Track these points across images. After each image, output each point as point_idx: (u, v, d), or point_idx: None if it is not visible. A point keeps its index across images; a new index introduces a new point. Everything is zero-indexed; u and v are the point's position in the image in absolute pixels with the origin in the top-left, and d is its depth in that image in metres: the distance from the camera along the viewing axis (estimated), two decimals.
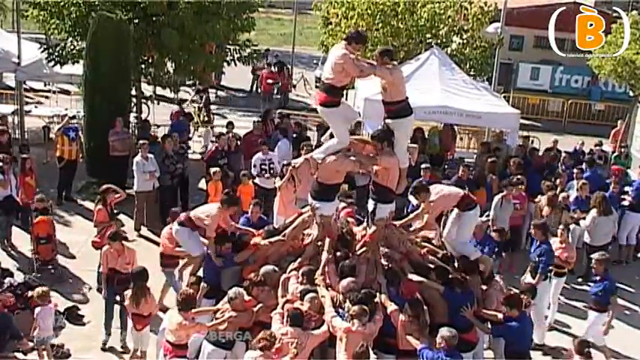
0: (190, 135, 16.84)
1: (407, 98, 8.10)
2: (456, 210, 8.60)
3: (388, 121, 8.14)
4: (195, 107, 19.85)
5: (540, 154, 14.82)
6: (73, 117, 15.56)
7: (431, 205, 8.46)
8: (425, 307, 7.89)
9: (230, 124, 14.95)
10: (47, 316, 8.66)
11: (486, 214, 12.32)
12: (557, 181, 13.13)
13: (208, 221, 8.65)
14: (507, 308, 7.86)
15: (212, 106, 20.56)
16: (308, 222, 8.53)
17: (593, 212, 11.99)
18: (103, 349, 9.37)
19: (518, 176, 12.74)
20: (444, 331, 7.20)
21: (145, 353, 8.91)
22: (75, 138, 14.01)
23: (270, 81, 22.64)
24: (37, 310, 8.63)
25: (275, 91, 23.03)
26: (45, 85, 20.51)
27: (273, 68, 23.86)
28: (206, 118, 19.72)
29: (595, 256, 9.88)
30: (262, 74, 22.96)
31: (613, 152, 17.19)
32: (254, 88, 24.94)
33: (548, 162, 14.33)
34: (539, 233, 10.26)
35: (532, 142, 16.54)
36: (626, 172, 14.70)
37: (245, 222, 9.87)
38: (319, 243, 8.29)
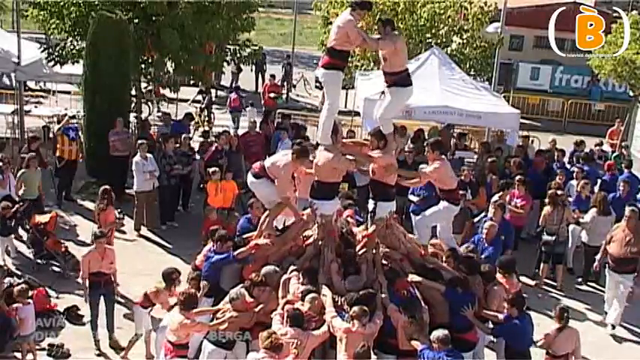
0: (191, 135, 16.85)
1: (407, 69, 8.13)
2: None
3: (386, 89, 8.15)
4: (196, 107, 19.89)
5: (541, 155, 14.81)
6: (73, 117, 15.56)
7: (431, 170, 8.49)
8: (425, 307, 7.90)
9: (226, 131, 14.93)
10: (28, 315, 8.61)
11: (483, 214, 12.33)
12: (557, 179, 13.10)
13: (283, 168, 8.18)
14: (508, 307, 7.88)
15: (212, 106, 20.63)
16: (308, 222, 8.52)
17: (593, 211, 11.95)
18: (98, 348, 9.33)
19: (519, 176, 12.72)
20: (438, 333, 7.22)
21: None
22: (75, 138, 14.01)
23: (272, 95, 20.60)
24: (20, 307, 8.56)
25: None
26: (36, 84, 20.49)
27: (281, 72, 23.67)
28: (207, 119, 19.79)
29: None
30: (265, 86, 21.31)
31: (613, 152, 17.18)
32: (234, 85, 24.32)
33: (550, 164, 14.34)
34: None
35: (532, 142, 16.55)
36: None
37: (246, 222, 9.86)
38: (320, 243, 8.29)
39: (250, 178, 8.54)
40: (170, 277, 8.73)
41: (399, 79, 8.03)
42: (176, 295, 8.45)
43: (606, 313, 11.08)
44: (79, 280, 10.67)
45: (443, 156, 8.60)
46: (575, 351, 8.34)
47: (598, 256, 11.24)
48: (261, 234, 8.63)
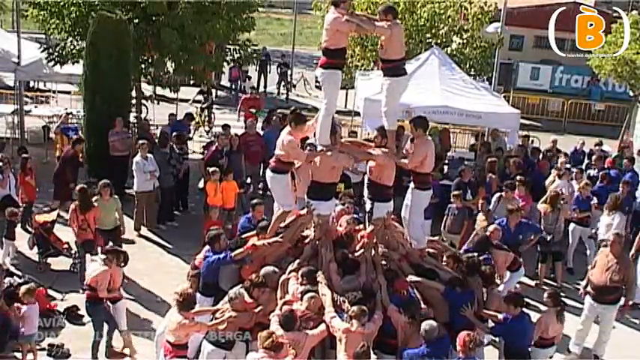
0: (191, 135, 16.85)
1: (404, 58, 8.11)
2: (412, 186, 8.48)
3: (383, 79, 8.14)
4: (197, 107, 19.88)
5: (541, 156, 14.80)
6: (70, 113, 15.53)
7: (418, 154, 8.18)
8: (425, 306, 7.90)
9: (226, 126, 14.93)
10: (32, 314, 8.59)
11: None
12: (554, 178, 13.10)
13: (288, 144, 8.08)
14: (510, 307, 7.89)
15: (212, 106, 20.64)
16: (305, 223, 8.52)
17: (619, 214, 11.77)
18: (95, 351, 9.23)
19: (519, 176, 12.72)
20: (424, 325, 7.27)
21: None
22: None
23: (252, 110, 18.05)
24: (24, 308, 8.53)
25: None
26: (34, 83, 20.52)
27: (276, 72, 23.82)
28: (207, 119, 19.79)
29: None
30: (242, 99, 19.08)
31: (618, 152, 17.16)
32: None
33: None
34: (515, 217, 10.75)
35: (532, 142, 16.55)
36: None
37: (246, 222, 9.87)
38: (317, 243, 8.29)
39: (269, 173, 8.49)
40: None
41: (393, 69, 8.04)
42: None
43: (569, 351, 10.05)
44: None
45: (429, 137, 8.45)
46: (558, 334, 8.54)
47: (583, 283, 10.26)
48: (264, 237, 8.61)
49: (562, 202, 12.16)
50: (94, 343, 9.10)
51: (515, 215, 10.81)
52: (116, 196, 11.35)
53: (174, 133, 13.99)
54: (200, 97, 20.58)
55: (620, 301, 9.82)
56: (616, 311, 9.89)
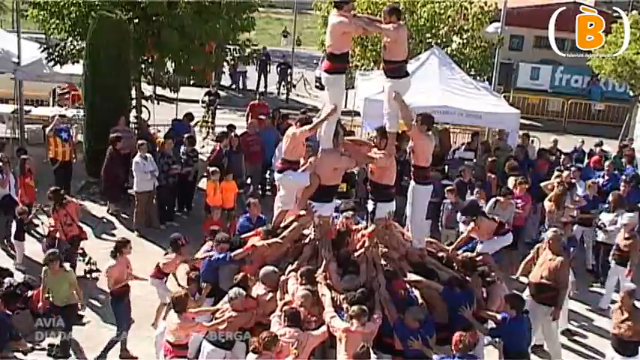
0: (197, 136, 16.78)
1: (405, 61, 8.18)
2: (412, 183, 8.53)
3: (385, 81, 8.18)
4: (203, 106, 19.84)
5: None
6: (63, 116, 15.51)
7: (419, 141, 8.31)
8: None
9: (231, 126, 14.91)
10: None
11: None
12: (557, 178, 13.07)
13: (293, 136, 8.21)
14: (508, 307, 7.88)
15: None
16: (306, 224, 8.52)
17: (631, 213, 11.78)
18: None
19: (520, 177, 12.68)
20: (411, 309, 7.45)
21: None
22: (67, 139, 13.97)
23: (262, 117, 16.52)
24: None
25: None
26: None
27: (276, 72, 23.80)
28: (210, 119, 19.74)
29: None
30: (251, 106, 17.75)
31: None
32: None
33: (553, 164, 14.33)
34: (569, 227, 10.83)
35: (532, 141, 16.54)
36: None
37: (245, 221, 9.88)
38: (317, 243, 8.29)
39: (277, 176, 8.59)
40: (176, 243, 9.06)
41: (395, 70, 8.07)
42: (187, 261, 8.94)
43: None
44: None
45: (430, 132, 8.46)
46: None
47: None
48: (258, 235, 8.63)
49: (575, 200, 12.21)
50: (112, 340, 9.15)
51: (569, 228, 10.84)
52: (69, 270, 9.62)
53: (187, 135, 14.01)
54: (206, 98, 20.51)
55: (553, 304, 9.37)
56: (549, 313, 9.41)
